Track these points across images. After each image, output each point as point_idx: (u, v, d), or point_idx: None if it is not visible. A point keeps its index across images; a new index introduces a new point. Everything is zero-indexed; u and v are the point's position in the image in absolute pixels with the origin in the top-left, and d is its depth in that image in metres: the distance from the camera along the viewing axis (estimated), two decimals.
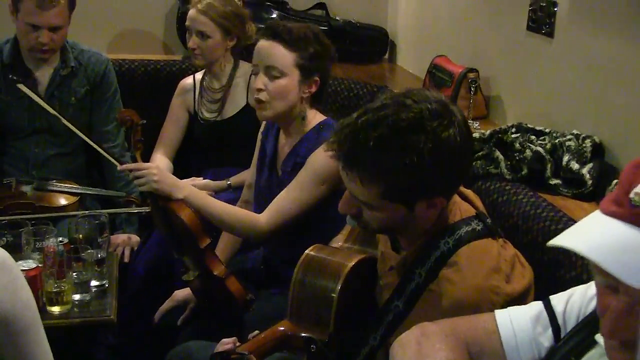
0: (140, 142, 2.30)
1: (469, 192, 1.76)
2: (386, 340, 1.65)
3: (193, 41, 2.98)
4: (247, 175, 2.86)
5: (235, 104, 3.11)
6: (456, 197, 1.69)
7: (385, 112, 1.52)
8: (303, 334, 1.72)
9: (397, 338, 1.33)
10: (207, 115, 3.13)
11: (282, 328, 1.77)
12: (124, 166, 2.30)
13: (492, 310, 1.46)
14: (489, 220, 1.66)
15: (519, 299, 1.55)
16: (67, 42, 2.93)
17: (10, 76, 2.67)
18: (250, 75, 3.03)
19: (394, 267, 1.70)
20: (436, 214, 1.62)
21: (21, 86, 2.58)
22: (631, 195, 0.98)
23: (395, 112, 1.52)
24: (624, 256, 0.95)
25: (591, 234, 1.01)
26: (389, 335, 1.64)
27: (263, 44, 2.26)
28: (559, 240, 1.02)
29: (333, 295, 1.72)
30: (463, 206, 1.69)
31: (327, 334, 1.72)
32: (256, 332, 1.81)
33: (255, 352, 1.69)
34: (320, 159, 2.17)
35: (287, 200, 2.24)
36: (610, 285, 1.01)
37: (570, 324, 1.28)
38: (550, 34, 2.40)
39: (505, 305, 1.50)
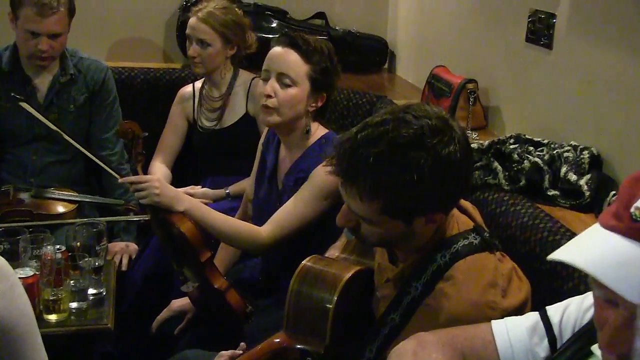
0: (142, 154, 2.29)
1: (467, 205, 1.76)
2: (382, 353, 1.64)
3: (193, 49, 2.99)
4: (245, 185, 2.86)
5: (234, 112, 3.11)
6: (454, 210, 1.68)
7: (385, 128, 1.51)
8: (299, 346, 1.71)
9: (393, 348, 1.33)
10: (206, 123, 3.13)
11: (278, 340, 1.77)
12: (125, 179, 2.29)
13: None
14: (486, 234, 1.66)
15: (516, 313, 1.54)
16: (66, 49, 2.94)
17: (12, 94, 2.65)
18: (250, 84, 3.04)
19: (390, 279, 1.69)
20: (434, 228, 1.62)
21: (24, 104, 2.57)
22: (632, 209, 0.98)
23: (395, 128, 1.50)
24: (624, 271, 0.95)
25: (591, 248, 1.01)
26: (385, 348, 1.63)
27: (278, 51, 2.25)
28: (558, 254, 1.01)
29: (329, 306, 1.71)
30: (461, 219, 1.68)
31: (323, 346, 1.71)
32: (243, 344, 1.80)
33: None
34: (324, 174, 2.17)
35: (289, 214, 2.23)
36: (609, 299, 1.01)
37: (567, 334, 1.28)
38: (549, 46, 2.41)
39: None
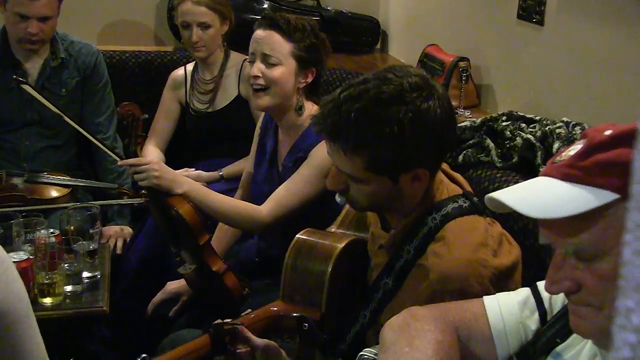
0: (142, 136, 2.30)
1: (457, 175, 1.79)
2: (376, 317, 1.67)
3: (196, 34, 2.97)
4: (239, 166, 2.86)
5: (227, 94, 3.10)
6: (444, 178, 1.71)
7: (367, 86, 1.56)
8: (295, 314, 1.73)
9: (387, 321, 1.34)
10: (198, 106, 3.13)
11: (275, 308, 1.80)
12: (124, 161, 2.29)
13: (481, 284, 1.51)
14: (475, 199, 1.69)
15: (507, 273, 1.59)
16: (56, 33, 2.92)
17: (14, 77, 2.63)
18: (241, 66, 3.04)
19: (383, 245, 1.72)
20: (422, 188, 1.64)
21: (26, 87, 2.54)
22: (557, 158, 1.09)
23: (377, 86, 1.56)
24: (530, 196, 1.08)
25: (513, 187, 1.15)
26: (379, 312, 1.67)
27: (259, 33, 2.27)
28: (489, 195, 1.13)
29: (324, 277, 1.75)
30: (450, 186, 1.72)
31: (319, 313, 1.74)
32: (248, 310, 1.82)
33: (247, 328, 1.70)
34: (324, 152, 2.17)
35: (289, 193, 2.24)
36: (547, 242, 1.10)
37: (557, 308, 1.30)
38: (540, 23, 2.41)
39: (493, 278, 1.54)
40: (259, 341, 1.69)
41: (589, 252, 1.03)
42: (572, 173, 1.04)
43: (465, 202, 1.66)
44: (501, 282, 1.58)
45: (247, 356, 1.69)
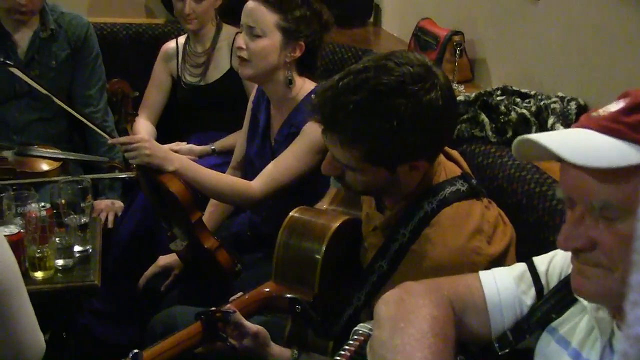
0: (132, 115, 2.27)
1: (454, 152, 1.76)
2: (370, 299, 1.66)
3: (189, 6, 2.95)
4: (231, 140, 2.84)
5: (218, 67, 3.08)
6: (441, 157, 1.69)
7: (366, 75, 1.51)
8: (288, 295, 1.72)
9: (381, 297, 1.34)
10: (190, 79, 3.10)
11: (267, 289, 1.78)
12: (115, 139, 2.29)
13: (475, 272, 1.47)
14: (474, 181, 1.67)
15: (501, 258, 1.58)
16: (46, 4, 2.88)
17: (1, 59, 2.59)
18: (234, 39, 3.01)
19: (378, 227, 1.70)
20: (419, 175, 1.62)
21: (14, 70, 2.51)
22: (593, 113, 1.08)
23: (376, 76, 1.51)
24: (570, 142, 1.05)
25: (550, 133, 1.12)
26: (373, 294, 1.65)
27: (249, 4, 2.27)
28: (523, 136, 1.11)
29: (317, 257, 1.73)
30: (448, 166, 1.69)
31: (311, 294, 1.73)
32: (240, 293, 1.81)
33: (239, 312, 1.69)
34: (316, 128, 2.15)
35: (281, 168, 2.23)
36: (569, 197, 1.09)
37: (553, 283, 1.30)
38: None
39: (487, 266, 1.52)
40: (251, 327, 1.68)
41: (615, 210, 1.02)
42: (615, 127, 1.03)
43: (463, 185, 1.64)
44: (495, 268, 1.56)
45: (237, 341, 1.68)
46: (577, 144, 1.04)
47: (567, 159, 1.02)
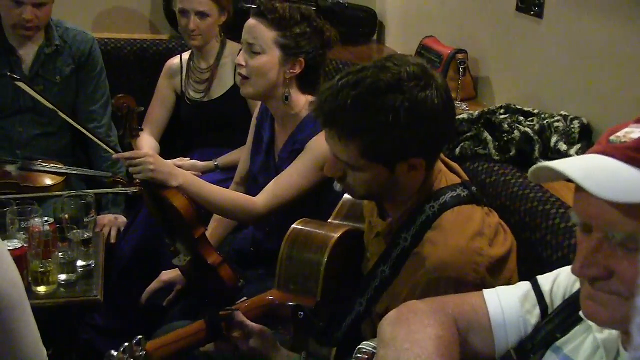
0: (137, 130, 2.28)
1: (455, 165, 1.79)
2: (372, 306, 1.68)
3: (194, 23, 2.96)
4: (235, 157, 2.84)
5: (222, 84, 3.09)
6: (442, 167, 1.72)
7: (365, 74, 1.57)
8: (290, 303, 1.74)
9: (384, 316, 1.34)
10: (194, 95, 3.11)
11: (271, 297, 1.80)
12: (119, 154, 2.28)
13: (477, 272, 1.52)
14: (474, 188, 1.69)
15: (502, 262, 1.59)
16: (51, 20, 2.90)
17: (9, 74, 2.60)
18: (238, 54, 3.02)
19: (380, 233, 1.73)
20: (419, 177, 1.64)
21: (21, 84, 2.52)
22: (612, 138, 1.05)
23: (375, 74, 1.56)
24: (596, 173, 1.02)
25: (572, 161, 1.09)
26: (375, 300, 1.68)
27: (249, 22, 2.28)
28: (544, 164, 1.09)
29: (320, 267, 1.75)
30: (449, 176, 1.72)
31: (314, 302, 1.74)
32: (244, 298, 1.82)
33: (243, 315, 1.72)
34: (320, 145, 2.16)
35: (285, 184, 2.23)
36: (585, 223, 1.06)
37: (557, 302, 1.30)
38: (539, 15, 2.39)
39: (489, 267, 1.55)
40: (254, 326, 1.70)
41: (638, 242, 1.00)
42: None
43: (463, 192, 1.67)
44: (496, 270, 1.58)
45: (243, 342, 1.70)
46: (602, 176, 1.01)
47: (595, 192, 0.99)
